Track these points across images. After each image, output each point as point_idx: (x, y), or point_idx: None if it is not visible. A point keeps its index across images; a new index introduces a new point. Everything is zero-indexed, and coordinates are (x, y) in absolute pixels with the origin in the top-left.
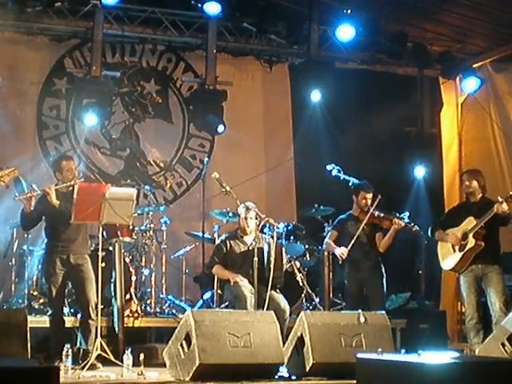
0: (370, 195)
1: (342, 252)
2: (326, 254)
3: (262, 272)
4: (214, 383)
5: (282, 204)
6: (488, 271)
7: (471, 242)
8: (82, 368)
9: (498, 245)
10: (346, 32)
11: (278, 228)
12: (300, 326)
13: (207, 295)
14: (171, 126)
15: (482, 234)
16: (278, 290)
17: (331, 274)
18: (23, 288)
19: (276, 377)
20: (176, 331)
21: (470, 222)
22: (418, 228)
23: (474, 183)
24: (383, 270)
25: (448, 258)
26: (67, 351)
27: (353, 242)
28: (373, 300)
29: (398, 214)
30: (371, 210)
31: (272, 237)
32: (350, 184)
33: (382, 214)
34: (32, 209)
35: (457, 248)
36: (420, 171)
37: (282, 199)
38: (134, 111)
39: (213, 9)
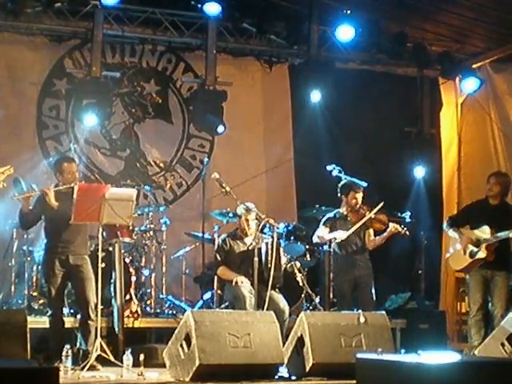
0: (360, 195)
1: (341, 235)
2: (326, 254)
3: (260, 272)
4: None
5: (282, 204)
6: (496, 275)
7: (483, 252)
8: (82, 369)
9: (508, 251)
10: (345, 32)
11: (278, 228)
12: (300, 327)
13: (207, 295)
14: (171, 127)
15: (495, 245)
16: (277, 290)
17: (331, 274)
18: (23, 289)
19: (276, 377)
20: (176, 331)
21: (485, 232)
22: (408, 233)
23: (497, 188)
24: (371, 268)
25: (457, 259)
26: (67, 352)
27: (351, 231)
28: (362, 299)
29: (399, 214)
30: (370, 215)
31: (272, 237)
32: (341, 183)
33: (375, 216)
34: (30, 208)
35: (467, 251)
36: (420, 171)
37: (282, 199)
38: (133, 112)
39: (213, 9)
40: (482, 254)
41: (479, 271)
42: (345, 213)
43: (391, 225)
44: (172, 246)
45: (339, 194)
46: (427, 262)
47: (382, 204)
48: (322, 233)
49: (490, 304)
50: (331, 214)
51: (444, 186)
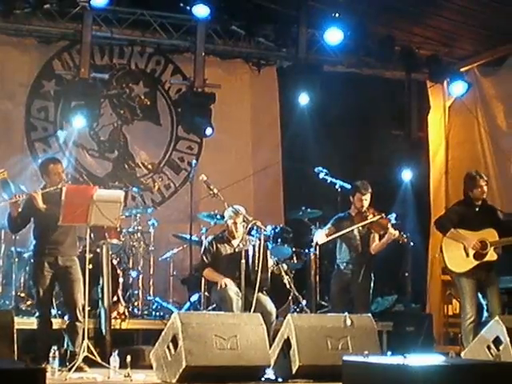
0: (366, 197)
1: (319, 239)
2: (313, 256)
3: (247, 274)
4: None
5: (269, 207)
6: (489, 277)
7: (492, 255)
8: (69, 370)
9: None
10: (334, 35)
11: (265, 231)
12: (287, 329)
13: (194, 297)
14: (159, 129)
15: (499, 247)
16: (264, 293)
17: (318, 276)
18: (11, 289)
19: (262, 379)
20: (163, 333)
21: (491, 234)
22: (406, 240)
23: (486, 188)
24: (372, 274)
25: (459, 261)
26: (54, 353)
27: (332, 237)
28: (358, 302)
29: (384, 216)
30: (370, 220)
31: (259, 239)
32: (350, 185)
33: (377, 220)
34: (20, 210)
35: (471, 253)
36: (407, 174)
37: (269, 202)
38: (122, 113)
39: (201, 11)
40: (493, 257)
41: (474, 276)
42: (353, 214)
43: (390, 230)
44: (160, 247)
45: (349, 195)
46: (414, 264)
47: (381, 215)
48: (320, 232)
49: (486, 305)
50: (342, 214)
51: (431, 189)
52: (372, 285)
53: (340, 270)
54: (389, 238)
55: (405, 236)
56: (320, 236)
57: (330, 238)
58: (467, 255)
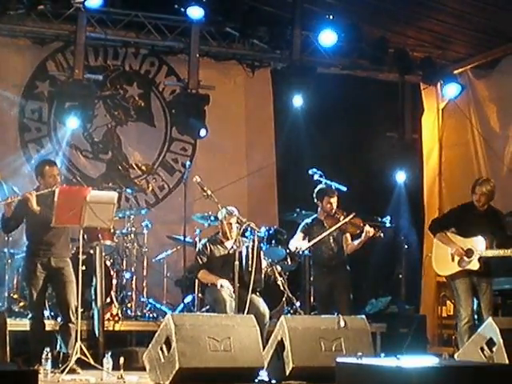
0: (334, 199)
1: (302, 245)
2: (306, 258)
3: (241, 276)
4: None
5: (263, 208)
6: (482, 282)
7: (475, 264)
8: (62, 372)
9: (491, 258)
10: (328, 37)
11: (259, 232)
12: (280, 330)
13: (188, 299)
14: (153, 130)
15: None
16: (258, 294)
17: (312, 278)
18: (3, 291)
19: (256, 381)
20: (156, 335)
21: (479, 243)
22: (382, 235)
23: (484, 199)
24: (349, 272)
25: (444, 264)
26: (47, 354)
27: (314, 241)
28: (340, 303)
29: (380, 219)
30: (344, 220)
31: (253, 240)
32: (316, 188)
33: (349, 221)
34: (13, 210)
35: (456, 259)
36: (401, 176)
37: (263, 203)
38: (116, 114)
39: (196, 13)
40: (475, 266)
41: (467, 278)
42: (321, 218)
43: (366, 229)
44: (153, 249)
45: (315, 200)
46: (408, 266)
47: (353, 214)
48: (294, 241)
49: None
50: (309, 220)
51: (425, 191)
52: (351, 285)
53: (319, 273)
54: (366, 236)
55: (380, 231)
56: (299, 243)
57: (312, 243)
58: (452, 259)
